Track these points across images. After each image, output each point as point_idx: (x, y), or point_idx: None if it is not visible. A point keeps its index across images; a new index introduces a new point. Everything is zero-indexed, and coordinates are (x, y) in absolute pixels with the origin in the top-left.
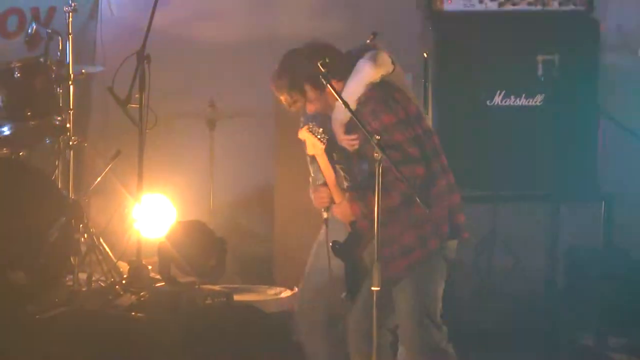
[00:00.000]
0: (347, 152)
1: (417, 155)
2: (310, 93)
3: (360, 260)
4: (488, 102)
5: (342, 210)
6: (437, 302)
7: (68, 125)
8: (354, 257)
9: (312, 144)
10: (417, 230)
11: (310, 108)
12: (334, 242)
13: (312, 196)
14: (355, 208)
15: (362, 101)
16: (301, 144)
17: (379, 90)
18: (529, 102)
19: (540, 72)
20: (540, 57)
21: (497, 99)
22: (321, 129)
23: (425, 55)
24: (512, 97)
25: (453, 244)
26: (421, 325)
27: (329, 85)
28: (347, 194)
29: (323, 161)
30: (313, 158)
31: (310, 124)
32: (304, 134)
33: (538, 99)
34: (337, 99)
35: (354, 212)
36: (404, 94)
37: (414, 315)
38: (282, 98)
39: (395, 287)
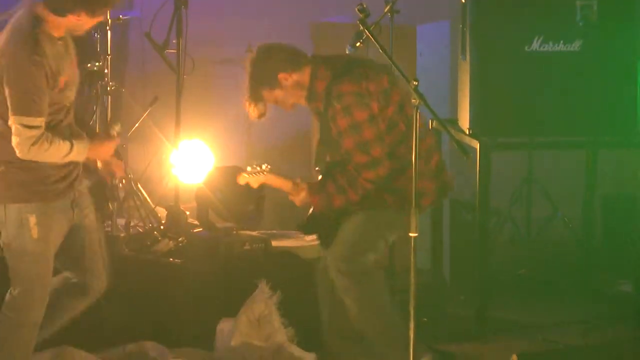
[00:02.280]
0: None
1: (381, 156)
2: (273, 95)
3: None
4: (526, 48)
5: (301, 200)
6: (381, 244)
7: (106, 71)
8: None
9: (254, 180)
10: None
11: (285, 107)
12: (300, 225)
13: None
14: (315, 199)
15: (335, 95)
16: None
17: (354, 83)
18: (567, 47)
19: (578, 17)
20: (578, 2)
21: (535, 45)
22: (257, 167)
23: (462, 1)
24: (550, 42)
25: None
26: (356, 254)
27: (366, 31)
28: (304, 186)
29: (273, 181)
30: None
31: (247, 169)
32: (243, 179)
33: (576, 45)
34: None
35: (314, 204)
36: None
37: (353, 244)
38: (252, 111)
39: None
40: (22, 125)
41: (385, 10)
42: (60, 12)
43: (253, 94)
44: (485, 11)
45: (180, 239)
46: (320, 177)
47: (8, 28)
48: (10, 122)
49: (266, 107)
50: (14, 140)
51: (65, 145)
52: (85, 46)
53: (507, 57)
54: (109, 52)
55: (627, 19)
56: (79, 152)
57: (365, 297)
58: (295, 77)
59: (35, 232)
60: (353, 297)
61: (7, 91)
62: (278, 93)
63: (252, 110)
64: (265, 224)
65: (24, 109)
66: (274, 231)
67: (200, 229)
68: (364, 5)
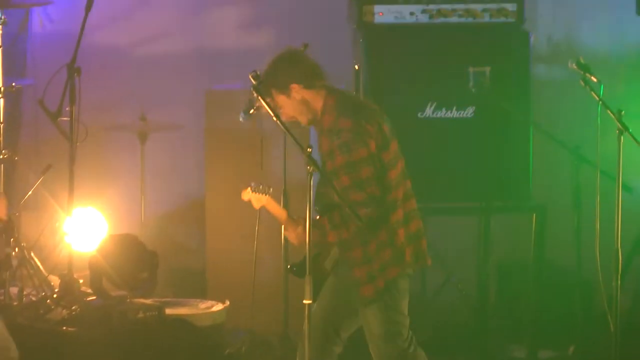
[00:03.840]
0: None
1: (376, 194)
2: (277, 98)
3: (321, 270)
4: (419, 115)
5: (297, 235)
6: (405, 318)
7: None
8: (316, 272)
9: (257, 199)
10: (385, 253)
11: (283, 115)
12: (291, 266)
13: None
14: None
15: (335, 130)
16: (232, 157)
17: (354, 121)
18: (460, 114)
19: (471, 84)
20: (471, 69)
21: (429, 111)
22: (260, 185)
23: (356, 67)
24: (444, 109)
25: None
26: (394, 344)
27: (260, 98)
28: (302, 222)
29: (272, 207)
30: None
31: (252, 184)
32: (247, 195)
33: (469, 111)
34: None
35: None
36: (376, 121)
37: (387, 337)
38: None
39: (364, 312)
40: None
41: None
42: None
43: (262, 88)
44: (377, 77)
45: (73, 308)
46: (318, 216)
47: None
48: None
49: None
50: None
51: None
52: None
53: (400, 123)
54: (1, 120)
55: (520, 84)
56: None
57: None
58: (306, 94)
59: None
60: None
61: None
62: (283, 100)
63: (255, 96)
64: (158, 291)
65: None
66: (168, 299)
67: (94, 297)
68: (258, 72)
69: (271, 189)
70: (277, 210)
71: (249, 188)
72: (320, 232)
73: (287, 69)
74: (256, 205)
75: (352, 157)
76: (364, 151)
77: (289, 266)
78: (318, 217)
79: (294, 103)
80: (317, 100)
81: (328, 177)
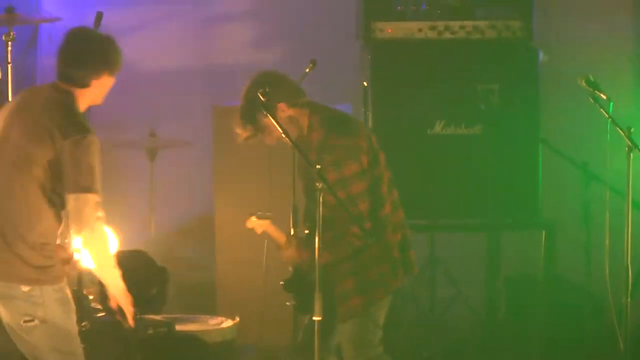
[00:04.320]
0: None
1: (368, 211)
2: (263, 121)
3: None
4: (428, 131)
5: (289, 255)
6: (378, 329)
7: None
8: (304, 286)
9: (259, 225)
10: (378, 268)
11: (269, 139)
12: (286, 281)
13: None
14: (303, 255)
15: (327, 146)
16: (240, 173)
17: (346, 136)
18: (468, 131)
19: (480, 101)
20: (480, 86)
21: (437, 128)
22: (264, 213)
23: (364, 84)
24: (452, 126)
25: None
26: (360, 349)
27: (269, 116)
28: (294, 241)
29: (272, 231)
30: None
31: (257, 213)
32: (251, 223)
33: (478, 128)
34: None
35: (300, 258)
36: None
37: (360, 349)
38: (239, 132)
39: (346, 323)
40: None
41: None
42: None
43: (245, 115)
44: (386, 94)
45: (83, 324)
46: (307, 232)
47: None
48: None
49: (254, 132)
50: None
51: None
52: None
53: (410, 140)
54: None
55: (528, 101)
56: None
57: None
58: (291, 112)
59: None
60: None
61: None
62: (269, 121)
63: (240, 132)
64: (168, 307)
65: None
66: (178, 315)
67: (104, 314)
68: (267, 90)
69: (271, 214)
70: (277, 234)
71: (254, 217)
72: (312, 253)
73: (270, 90)
74: (259, 230)
75: (343, 173)
76: (356, 166)
77: (281, 282)
78: (307, 232)
79: (281, 122)
80: (302, 117)
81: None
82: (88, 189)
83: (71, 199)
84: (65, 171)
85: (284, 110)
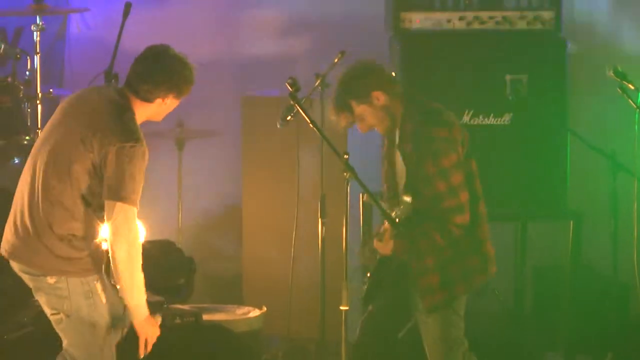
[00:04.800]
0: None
1: (467, 201)
2: (358, 109)
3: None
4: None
5: (385, 246)
6: (462, 322)
7: None
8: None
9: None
10: (465, 262)
11: (362, 127)
12: (370, 271)
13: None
14: (400, 245)
15: (424, 138)
16: (268, 164)
17: (443, 128)
18: (497, 121)
19: (508, 91)
20: (508, 77)
21: (466, 118)
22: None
23: (393, 75)
24: (481, 116)
25: None
26: (451, 348)
27: (297, 105)
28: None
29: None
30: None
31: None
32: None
33: (506, 118)
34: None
35: (397, 249)
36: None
37: (447, 343)
38: (334, 119)
39: (430, 316)
40: None
41: (316, 84)
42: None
43: (339, 102)
44: (415, 84)
45: None
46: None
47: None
48: None
49: (351, 119)
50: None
51: None
52: (16, 119)
53: None
54: (39, 126)
55: (557, 92)
56: None
57: None
58: (386, 100)
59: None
60: None
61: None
62: (364, 109)
63: (337, 119)
64: (195, 297)
65: None
66: (205, 305)
67: None
68: (295, 79)
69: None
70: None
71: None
72: (408, 241)
73: (366, 77)
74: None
75: (442, 165)
76: (454, 158)
77: (367, 274)
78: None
79: (376, 110)
80: (397, 107)
81: (414, 184)
82: (125, 199)
83: (108, 206)
84: (106, 176)
85: (379, 98)
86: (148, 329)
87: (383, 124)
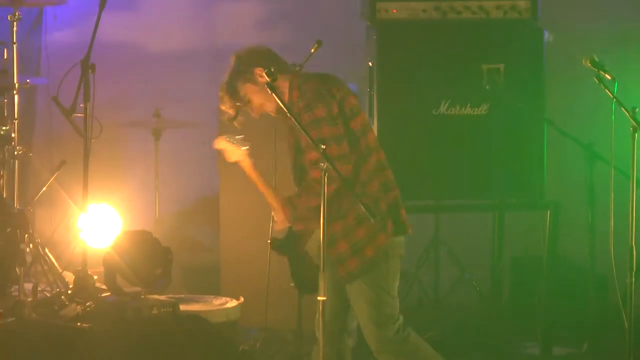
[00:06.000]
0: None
1: (348, 152)
2: (242, 90)
3: (304, 255)
4: (433, 111)
5: (278, 216)
6: (395, 300)
7: (13, 135)
8: (296, 253)
9: (232, 152)
10: (364, 227)
11: (252, 109)
12: (273, 238)
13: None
14: (287, 212)
15: (302, 95)
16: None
17: (318, 83)
18: (474, 111)
19: (485, 81)
20: (485, 66)
21: (443, 108)
22: (237, 137)
23: (369, 64)
24: (458, 106)
25: (400, 240)
26: (383, 325)
27: (274, 95)
28: (287, 205)
29: (248, 168)
30: None
31: (229, 135)
32: (221, 144)
33: (483, 108)
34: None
35: (286, 217)
36: (343, 89)
37: (374, 318)
38: (224, 108)
39: (352, 291)
40: None
41: None
42: None
43: (228, 85)
44: (391, 74)
45: (87, 304)
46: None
47: None
48: None
49: (236, 110)
50: None
51: None
52: None
53: (414, 120)
54: (16, 117)
55: (534, 82)
56: None
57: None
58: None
59: None
60: None
61: None
62: (249, 88)
63: (224, 110)
64: (173, 287)
65: None
66: (182, 295)
67: (108, 294)
68: (272, 69)
69: (248, 145)
70: (252, 173)
71: (224, 137)
72: (291, 207)
73: (247, 57)
74: (230, 158)
75: (316, 114)
76: (325, 110)
77: (269, 241)
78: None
79: (260, 88)
80: (284, 84)
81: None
82: None
83: None
84: None
85: (262, 75)
86: None
87: (270, 102)
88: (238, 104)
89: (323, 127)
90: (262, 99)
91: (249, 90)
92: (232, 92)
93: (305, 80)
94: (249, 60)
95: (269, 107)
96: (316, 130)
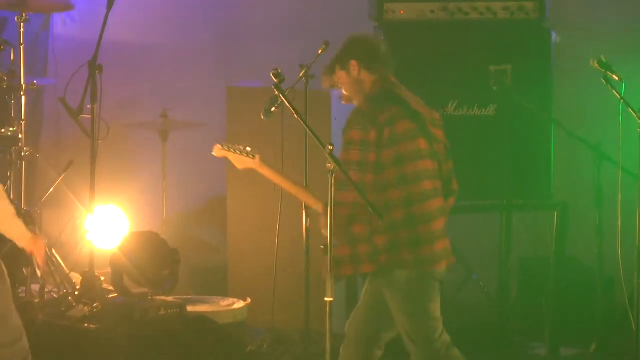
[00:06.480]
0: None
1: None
2: (337, 74)
3: None
4: (441, 112)
5: (321, 221)
6: (433, 321)
7: (20, 136)
8: None
9: (237, 160)
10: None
11: (342, 95)
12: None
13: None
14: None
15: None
16: None
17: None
18: (481, 112)
19: (493, 82)
20: (492, 67)
21: (450, 109)
22: (241, 146)
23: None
24: (465, 107)
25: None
26: (419, 343)
27: (281, 96)
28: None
29: (265, 171)
30: None
31: (222, 143)
32: (218, 152)
33: (491, 109)
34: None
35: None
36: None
37: (410, 335)
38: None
39: (393, 308)
40: None
41: (300, 75)
42: None
43: (330, 62)
44: (399, 75)
45: (95, 305)
46: None
47: None
48: None
49: (334, 84)
50: None
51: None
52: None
53: None
54: (23, 118)
55: (541, 82)
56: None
57: None
58: (361, 74)
59: None
60: None
61: None
62: (342, 76)
63: (323, 78)
64: (180, 289)
65: None
66: (189, 296)
67: (115, 295)
68: (279, 71)
69: (256, 154)
70: (274, 177)
71: (219, 145)
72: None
73: (351, 45)
74: (237, 166)
75: (348, 136)
76: (358, 135)
77: (322, 246)
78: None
79: (350, 81)
80: (367, 83)
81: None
82: None
83: None
84: None
85: (354, 69)
86: (35, 244)
87: (357, 97)
88: (332, 85)
89: (351, 150)
90: (349, 91)
91: (341, 78)
92: (330, 73)
93: (374, 95)
94: (351, 49)
95: (356, 101)
96: (345, 152)
